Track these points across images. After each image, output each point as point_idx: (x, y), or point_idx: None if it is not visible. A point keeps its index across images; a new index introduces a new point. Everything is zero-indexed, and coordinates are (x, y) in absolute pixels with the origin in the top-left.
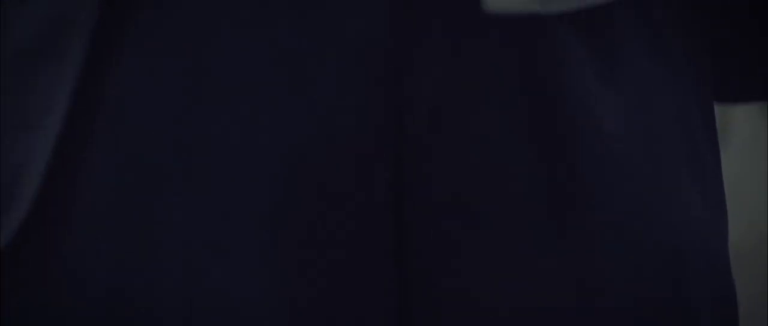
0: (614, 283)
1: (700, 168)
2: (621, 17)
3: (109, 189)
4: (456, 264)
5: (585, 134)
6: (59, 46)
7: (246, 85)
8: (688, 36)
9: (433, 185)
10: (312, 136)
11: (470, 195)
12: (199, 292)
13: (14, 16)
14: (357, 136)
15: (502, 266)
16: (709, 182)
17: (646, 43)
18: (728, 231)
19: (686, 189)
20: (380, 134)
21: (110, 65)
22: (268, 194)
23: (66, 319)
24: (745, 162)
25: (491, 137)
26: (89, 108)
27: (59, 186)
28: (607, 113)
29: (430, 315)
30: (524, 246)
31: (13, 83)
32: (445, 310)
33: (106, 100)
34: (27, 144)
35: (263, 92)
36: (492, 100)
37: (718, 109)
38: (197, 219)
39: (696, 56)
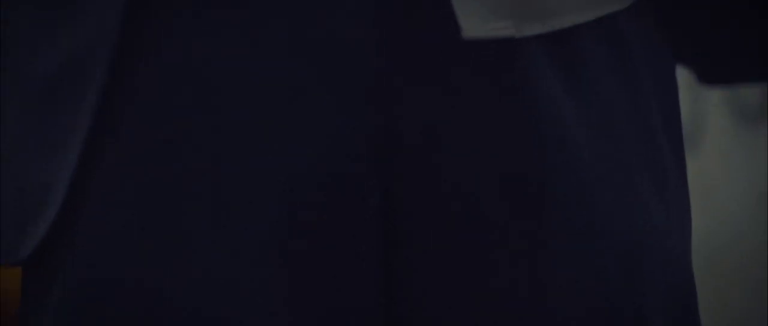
0: (572, 280)
1: (663, 176)
2: (588, 36)
3: (126, 208)
4: (440, 270)
5: (553, 144)
6: (82, 71)
7: (245, 113)
8: (654, 44)
9: (422, 197)
10: (309, 159)
11: (453, 204)
12: (210, 309)
13: (41, 43)
14: (351, 156)
15: (476, 269)
16: (671, 189)
17: (612, 59)
18: (691, 235)
19: (647, 195)
20: (373, 152)
21: (126, 90)
22: (268, 217)
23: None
24: (717, 162)
25: (472, 151)
26: (108, 127)
27: (79, 202)
28: (573, 124)
29: (416, 312)
30: (498, 249)
31: (39, 106)
32: (429, 308)
33: (121, 123)
34: (52, 163)
35: (262, 118)
36: (473, 116)
37: (690, 112)
38: (203, 239)
39: (662, 67)
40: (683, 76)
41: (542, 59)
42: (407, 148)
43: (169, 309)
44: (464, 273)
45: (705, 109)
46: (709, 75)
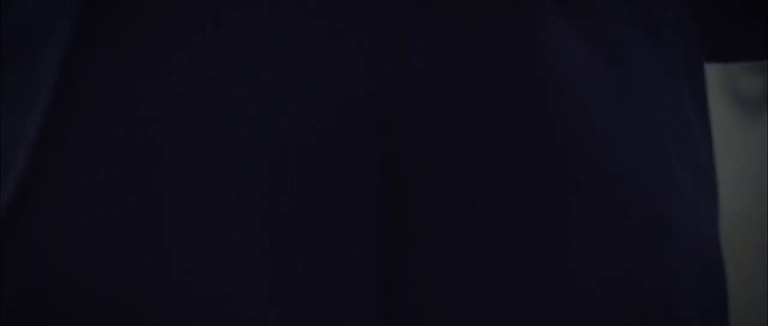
0: (593, 254)
1: (690, 146)
2: None
3: (101, 171)
4: (439, 248)
5: (566, 99)
6: (47, 28)
7: (233, 70)
8: (676, 5)
9: (418, 166)
10: (300, 124)
11: (454, 175)
12: (192, 280)
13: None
14: (344, 122)
15: (485, 244)
16: (699, 160)
17: (631, 15)
18: (718, 216)
19: (673, 163)
20: (370, 117)
21: (96, 52)
22: (257, 186)
23: (60, 294)
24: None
25: (477, 112)
26: (79, 89)
27: (51, 167)
28: (587, 78)
29: (415, 291)
30: (506, 217)
31: (9, 54)
32: (433, 285)
33: (94, 88)
34: (19, 117)
35: (250, 78)
36: (476, 73)
37: None
38: (188, 207)
39: (684, 29)
40: None
41: (556, 12)
42: (406, 109)
43: (141, 272)
44: (472, 249)
45: None
46: (709, 51)
